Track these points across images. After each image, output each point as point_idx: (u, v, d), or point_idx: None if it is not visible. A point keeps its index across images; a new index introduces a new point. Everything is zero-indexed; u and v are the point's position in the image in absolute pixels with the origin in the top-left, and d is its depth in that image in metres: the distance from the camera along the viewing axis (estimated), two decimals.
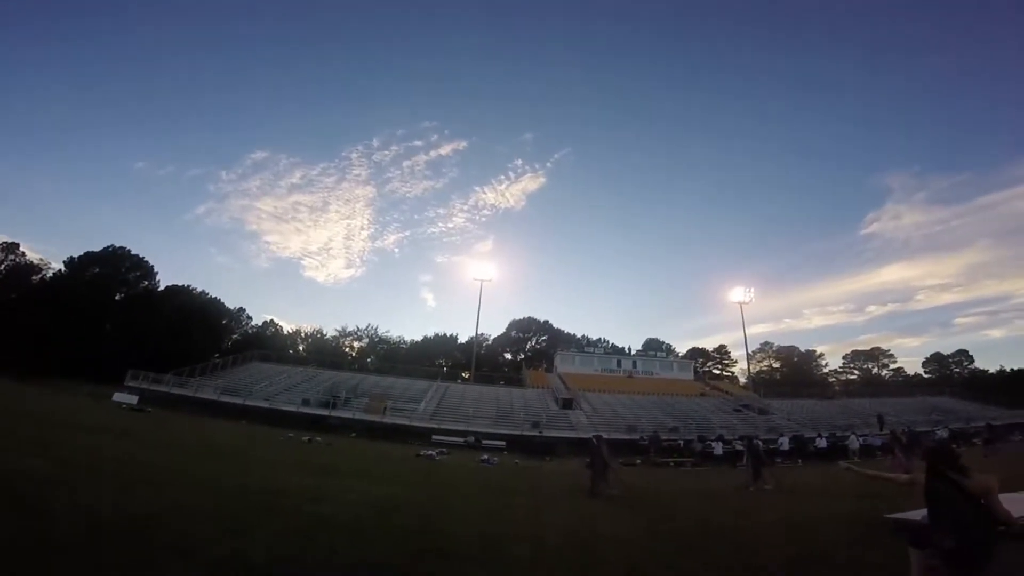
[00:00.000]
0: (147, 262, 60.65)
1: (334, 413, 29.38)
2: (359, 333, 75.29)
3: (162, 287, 61.00)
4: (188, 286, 63.26)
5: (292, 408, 29.29)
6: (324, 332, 74.67)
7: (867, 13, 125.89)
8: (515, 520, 8.11)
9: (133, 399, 26.81)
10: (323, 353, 56.86)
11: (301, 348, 69.10)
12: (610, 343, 71.46)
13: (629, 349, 63.13)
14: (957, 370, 73.93)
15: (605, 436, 14.67)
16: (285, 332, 72.87)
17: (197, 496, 7.15)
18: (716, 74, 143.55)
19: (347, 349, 73.11)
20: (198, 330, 55.45)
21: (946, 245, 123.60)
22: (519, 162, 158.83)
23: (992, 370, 73.17)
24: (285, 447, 18.17)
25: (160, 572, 3.83)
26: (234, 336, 65.72)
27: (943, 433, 26.49)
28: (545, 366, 59.92)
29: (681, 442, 26.28)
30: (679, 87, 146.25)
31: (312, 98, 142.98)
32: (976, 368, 73.96)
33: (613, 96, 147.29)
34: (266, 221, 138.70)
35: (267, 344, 56.04)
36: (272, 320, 72.75)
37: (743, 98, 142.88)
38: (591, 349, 60.00)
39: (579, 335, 76.25)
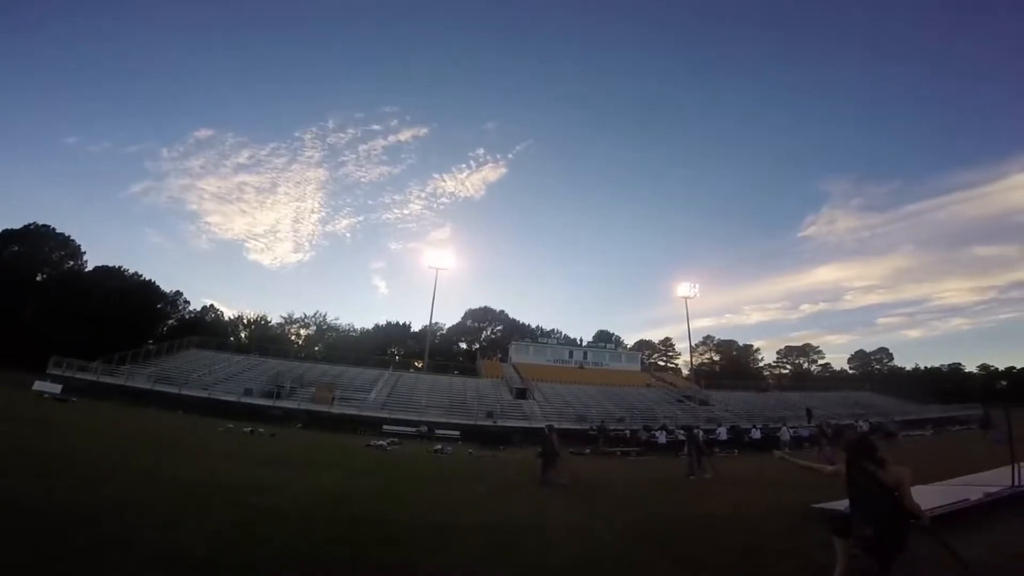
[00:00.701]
0: (74, 241, 55.97)
1: (278, 403, 28.26)
2: (306, 320, 72.63)
3: (91, 268, 56.48)
4: (120, 267, 58.89)
5: (232, 398, 27.92)
6: (268, 319, 71.49)
7: (817, 24, 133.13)
8: (468, 509, 8.13)
9: (56, 388, 24.66)
10: (267, 340, 54.36)
11: (243, 335, 65.83)
12: (563, 334, 72.97)
13: (581, 340, 64.59)
14: (878, 367, 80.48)
15: (556, 426, 14.90)
16: (226, 318, 69.15)
17: (129, 489, 6.72)
18: (673, 76, 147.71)
19: (293, 337, 70.32)
20: (130, 315, 51.67)
21: (874, 250, 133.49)
22: (481, 151, 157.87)
23: (908, 367, 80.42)
24: (225, 438, 17.34)
25: (94, 566, 3.56)
26: (170, 321, 61.77)
27: (864, 426, 28.73)
28: (500, 356, 60.17)
29: (628, 432, 27.17)
30: (638, 87, 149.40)
31: (265, 75, 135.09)
32: (895, 365, 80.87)
33: (577, 92, 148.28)
34: (208, 201, 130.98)
35: (206, 330, 52.90)
36: (212, 305, 68.89)
37: (698, 100, 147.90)
38: (545, 340, 60.80)
39: (534, 326, 76.99)
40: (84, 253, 56.88)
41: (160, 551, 4.01)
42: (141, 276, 59.83)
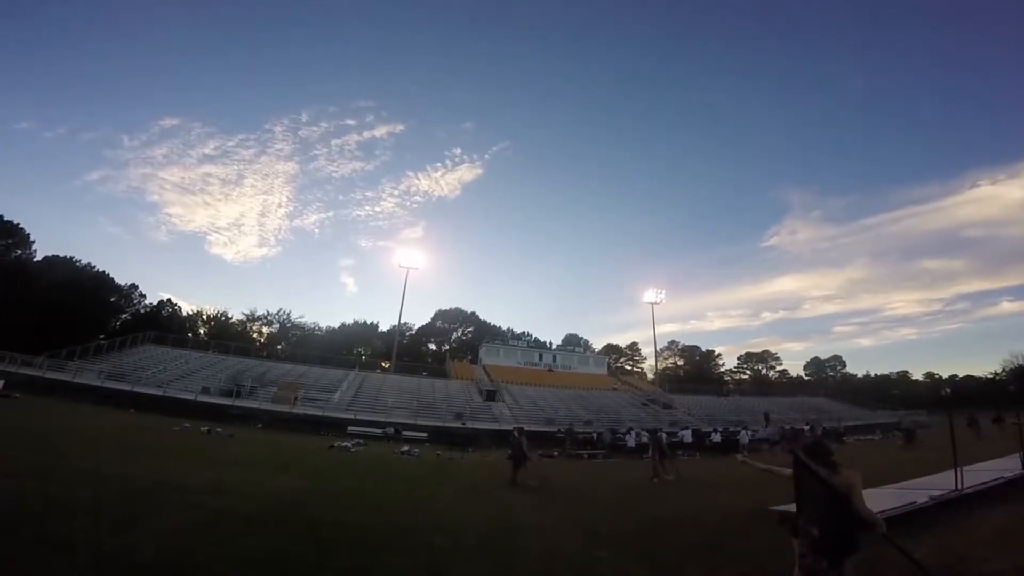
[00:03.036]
0: (22, 229, 52.45)
1: (237, 402, 27.25)
2: (269, 318, 70.26)
3: (40, 258, 53.19)
4: (71, 258, 55.67)
5: (189, 396, 26.76)
6: (230, 315, 68.84)
7: (784, 40, 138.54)
8: (436, 510, 8.04)
9: None
10: (227, 337, 52.39)
11: (202, 332, 63.28)
12: (533, 337, 73.28)
13: (550, 343, 64.94)
14: (832, 373, 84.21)
15: (526, 428, 14.92)
16: (184, 313, 66.25)
17: (75, 489, 6.32)
18: (646, 88, 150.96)
19: (255, 335, 67.90)
20: (81, 308, 48.89)
21: (832, 260, 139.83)
22: (458, 151, 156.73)
23: (860, 375, 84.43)
24: (180, 438, 16.61)
25: (35, 569, 3.34)
26: (123, 316, 58.75)
27: (818, 430, 29.90)
28: (470, 358, 59.90)
29: (595, 435, 27.46)
30: (613, 97, 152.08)
31: (237, 65, 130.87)
32: (847, 372, 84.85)
33: (555, 96, 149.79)
34: (170, 192, 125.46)
35: (162, 326, 50.46)
36: (169, 300, 65.86)
37: (669, 113, 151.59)
38: (515, 342, 60.90)
39: (505, 328, 77.01)
40: (33, 242, 53.59)
41: (107, 553, 3.80)
42: (94, 267, 56.79)
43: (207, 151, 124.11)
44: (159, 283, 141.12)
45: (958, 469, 7.58)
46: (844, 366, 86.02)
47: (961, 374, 78.72)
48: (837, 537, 3.26)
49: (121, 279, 59.93)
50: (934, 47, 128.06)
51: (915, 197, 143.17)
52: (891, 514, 5.52)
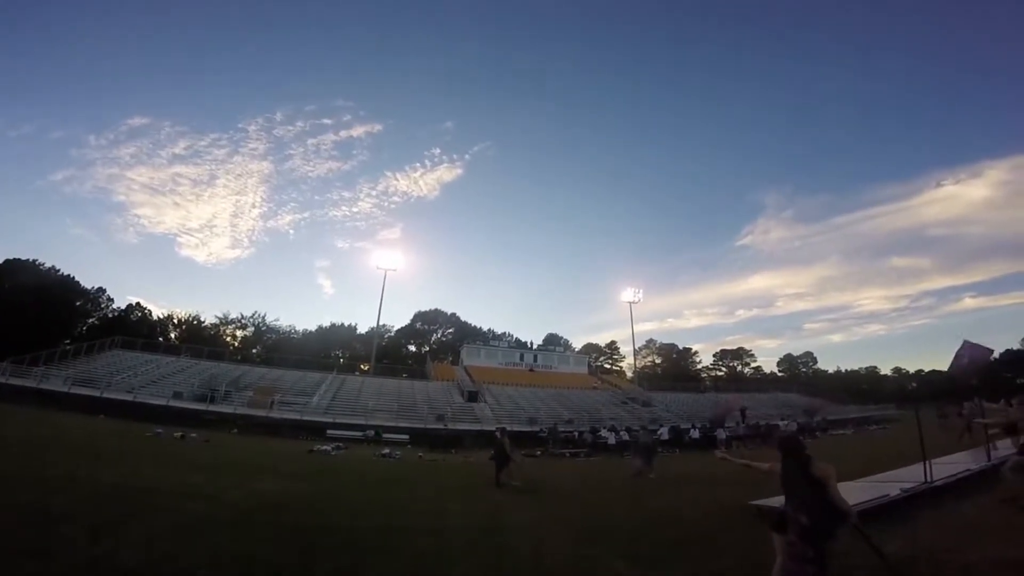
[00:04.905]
0: None
1: (212, 407, 26.52)
2: (243, 321, 68.63)
3: (0, 260, 50.89)
4: (34, 260, 53.45)
5: (161, 401, 25.96)
6: (202, 318, 67.05)
7: (761, 40, 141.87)
8: (420, 512, 8.00)
9: None
10: (200, 341, 50.94)
11: (173, 336, 61.45)
12: (514, 337, 73.31)
13: (531, 343, 65.17)
14: (804, 369, 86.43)
15: (508, 428, 14.93)
16: (154, 317, 64.28)
17: (48, 495, 6.11)
18: (624, 90, 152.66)
19: (228, 338, 66.31)
20: (45, 313, 46.99)
21: (803, 259, 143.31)
22: (437, 151, 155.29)
23: (831, 370, 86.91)
24: (153, 444, 16.13)
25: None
26: (90, 320, 56.70)
27: (792, 426, 30.71)
28: (451, 359, 59.61)
29: (576, 433, 27.65)
30: (592, 100, 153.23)
31: (209, 63, 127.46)
32: (819, 368, 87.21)
33: (537, 96, 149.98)
34: (138, 193, 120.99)
35: (131, 330, 48.80)
36: (138, 303, 63.76)
37: (647, 113, 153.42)
38: (496, 343, 60.92)
39: (486, 328, 76.89)
40: None
41: (84, 560, 3.69)
42: (59, 271, 54.66)
43: (177, 151, 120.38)
44: (128, 286, 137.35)
45: (927, 462, 7.80)
46: (815, 362, 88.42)
47: (927, 368, 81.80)
48: (822, 525, 3.44)
49: (88, 282, 57.90)
50: (901, 47, 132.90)
51: (883, 196, 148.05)
52: (864, 507, 5.65)
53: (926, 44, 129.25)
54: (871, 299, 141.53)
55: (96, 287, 58.41)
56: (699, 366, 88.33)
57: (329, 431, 24.93)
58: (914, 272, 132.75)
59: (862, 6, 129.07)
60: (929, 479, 7.60)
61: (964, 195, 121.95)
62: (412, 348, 74.27)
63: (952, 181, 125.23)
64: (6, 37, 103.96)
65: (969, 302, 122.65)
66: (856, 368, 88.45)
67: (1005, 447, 9.67)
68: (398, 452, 20.34)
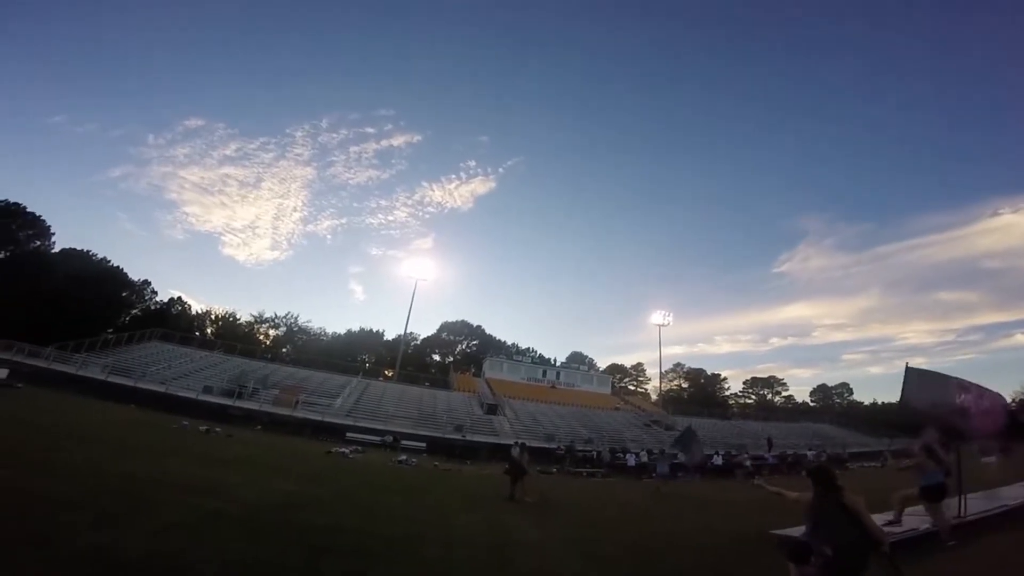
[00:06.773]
0: (43, 221, 53.25)
1: (238, 403, 27.23)
2: (277, 320, 70.57)
3: (57, 250, 53.94)
4: (88, 251, 56.35)
5: (191, 395, 26.81)
6: (238, 316, 69.20)
7: (804, 65, 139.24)
8: (429, 521, 7.90)
9: (3, 373, 23.31)
10: (234, 338, 52.53)
11: (209, 331, 63.58)
12: (538, 353, 72.72)
13: (555, 360, 64.42)
14: (839, 400, 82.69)
15: (527, 444, 14.75)
16: (193, 312, 66.73)
17: (64, 482, 6.28)
18: (664, 112, 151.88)
19: (261, 336, 68.23)
20: (93, 301, 49.26)
21: (844, 290, 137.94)
22: (472, 163, 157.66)
23: (867, 402, 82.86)
24: (178, 436, 16.58)
25: (6, 562, 3.28)
26: (134, 311, 59.21)
27: (823, 456, 29.36)
28: (474, 370, 59.64)
29: (595, 453, 27.11)
30: (631, 120, 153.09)
31: (262, 69, 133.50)
32: (854, 399, 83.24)
33: (572, 114, 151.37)
34: (189, 191, 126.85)
35: (171, 323, 50.88)
36: (180, 297, 66.41)
37: (688, 136, 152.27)
38: (520, 358, 60.53)
39: (510, 342, 76.63)
40: (53, 234, 54.42)
41: (85, 549, 3.72)
42: (109, 262, 57.43)
43: (228, 152, 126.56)
44: (171, 280, 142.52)
45: (962, 496, 7.48)
46: (851, 393, 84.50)
47: None
48: (849, 557, 3.38)
49: (134, 274, 60.57)
50: (953, 73, 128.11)
51: (932, 226, 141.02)
52: (894, 539, 5.40)
53: (982, 65, 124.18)
54: (915, 332, 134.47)
55: (142, 279, 61.12)
56: (727, 393, 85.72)
57: (349, 434, 25.20)
58: (962, 306, 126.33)
59: (915, 26, 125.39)
60: (962, 513, 7.27)
61: (1022, 225, 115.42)
62: (436, 357, 74.69)
63: (1011, 210, 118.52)
64: (77, 39, 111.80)
65: (1021, 338, 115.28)
66: (893, 401, 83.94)
67: None
68: (414, 460, 20.32)
